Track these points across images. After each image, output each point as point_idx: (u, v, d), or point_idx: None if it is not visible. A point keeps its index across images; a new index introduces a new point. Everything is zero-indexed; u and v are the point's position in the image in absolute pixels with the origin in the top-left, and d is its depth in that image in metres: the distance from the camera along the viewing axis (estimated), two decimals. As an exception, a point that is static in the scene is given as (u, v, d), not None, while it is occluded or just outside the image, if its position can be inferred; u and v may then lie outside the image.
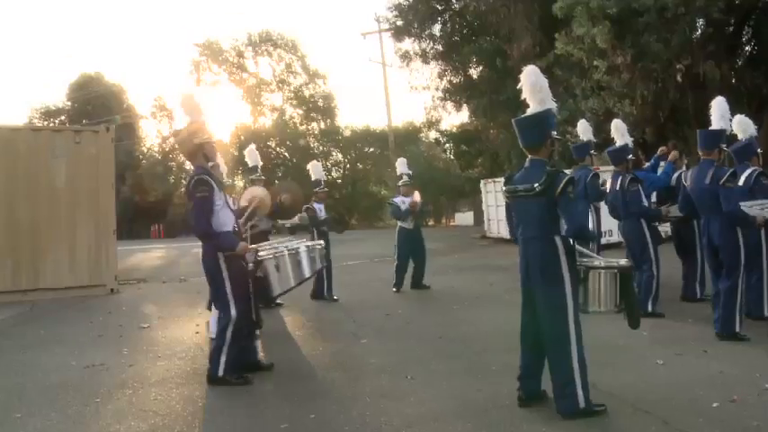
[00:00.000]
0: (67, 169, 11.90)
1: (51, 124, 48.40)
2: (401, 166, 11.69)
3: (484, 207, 24.12)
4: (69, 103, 51.17)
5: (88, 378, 5.94)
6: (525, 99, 4.65)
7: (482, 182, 24.16)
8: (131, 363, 6.52)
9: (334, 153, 50.61)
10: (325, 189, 10.71)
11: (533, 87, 4.56)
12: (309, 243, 6.47)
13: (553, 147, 4.59)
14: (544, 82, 4.59)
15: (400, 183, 11.36)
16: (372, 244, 22.15)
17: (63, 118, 50.50)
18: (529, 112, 4.61)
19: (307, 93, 50.34)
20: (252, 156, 10.71)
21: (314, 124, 50.58)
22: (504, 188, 4.76)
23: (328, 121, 49.75)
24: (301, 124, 50.59)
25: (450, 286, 11.33)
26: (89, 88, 49.52)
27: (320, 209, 10.41)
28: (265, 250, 6.10)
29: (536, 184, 4.38)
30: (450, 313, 8.79)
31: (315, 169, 10.87)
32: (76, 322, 9.12)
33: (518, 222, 4.67)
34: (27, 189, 11.49)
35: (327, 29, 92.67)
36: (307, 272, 6.23)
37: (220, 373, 5.46)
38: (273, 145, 48.48)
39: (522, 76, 4.63)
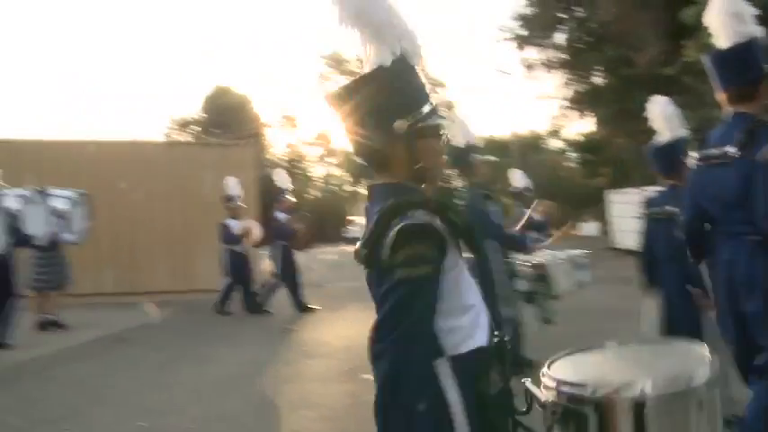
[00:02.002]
0: (215, 180, 12.88)
1: (187, 134, 51.39)
2: (518, 177, 10.66)
3: (610, 218, 23.87)
4: (204, 115, 54.03)
5: (255, 372, 6.63)
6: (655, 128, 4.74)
7: (608, 192, 23.91)
8: (287, 361, 7.19)
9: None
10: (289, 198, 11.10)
11: (664, 116, 4.63)
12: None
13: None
14: (674, 111, 4.70)
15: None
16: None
17: (198, 128, 53.43)
18: (662, 139, 4.64)
19: (429, 101, 51.15)
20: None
21: (437, 132, 51.35)
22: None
23: (449, 129, 50.44)
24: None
25: (583, 299, 11.40)
26: (221, 100, 52.18)
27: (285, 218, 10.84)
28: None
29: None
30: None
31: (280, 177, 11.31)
32: (231, 322, 10.02)
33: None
34: (182, 199, 12.55)
35: (449, 37, 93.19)
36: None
37: None
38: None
39: (652, 107, 4.77)
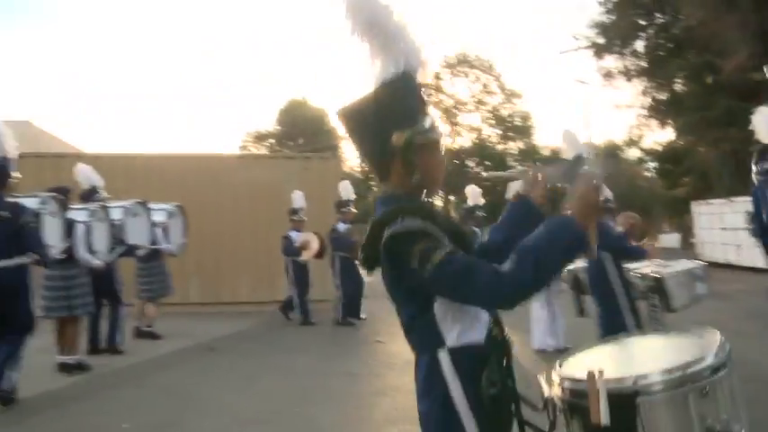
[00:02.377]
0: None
1: (263, 147, 52.30)
2: (474, 194, 11.28)
3: (697, 230, 23.03)
4: (279, 127, 54.92)
5: (349, 384, 6.67)
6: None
7: (695, 204, 23.08)
8: (378, 373, 7.19)
9: (531, 173, 50.61)
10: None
11: None
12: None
13: None
14: None
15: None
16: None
17: (272, 141, 54.36)
18: None
19: (504, 112, 50.79)
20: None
21: (511, 143, 50.88)
22: None
23: (525, 140, 49.89)
24: (498, 143, 51.07)
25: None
26: (296, 112, 52.95)
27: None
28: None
29: None
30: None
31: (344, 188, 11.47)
32: (320, 333, 10.16)
33: None
34: (267, 211, 12.71)
35: (523, 47, 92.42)
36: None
37: None
38: (473, 165, 49.27)
39: (757, 116, 4.65)
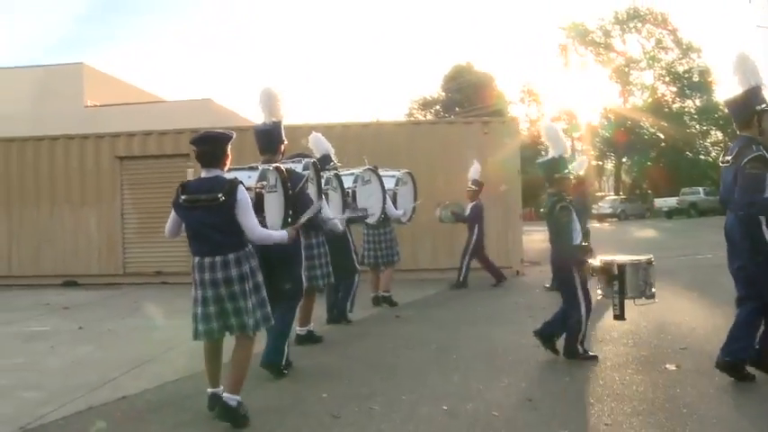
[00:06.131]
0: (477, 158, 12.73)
1: (428, 115, 52.31)
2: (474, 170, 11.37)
3: None
4: (444, 94, 54.69)
5: (540, 354, 6.29)
6: None
7: None
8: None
9: (712, 132, 47.19)
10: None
11: None
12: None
13: None
14: None
15: None
16: None
17: (438, 107, 54.25)
18: None
19: (680, 68, 47.70)
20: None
21: (689, 102, 47.77)
22: None
23: (705, 97, 46.61)
24: (674, 102, 48.12)
25: None
26: (460, 78, 52.43)
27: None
28: None
29: None
30: None
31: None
32: (500, 300, 9.96)
33: None
34: (446, 176, 12.49)
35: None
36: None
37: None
38: (647, 125, 46.83)
39: None
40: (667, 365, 5.82)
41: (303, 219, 5.47)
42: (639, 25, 49.38)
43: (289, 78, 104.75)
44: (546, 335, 6.23)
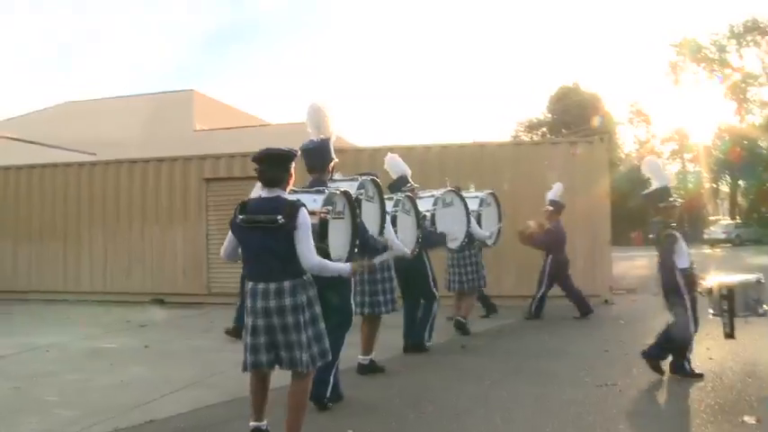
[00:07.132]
0: (563, 179, 12.09)
1: (534, 137, 51.39)
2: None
3: None
4: (549, 116, 53.66)
5: (602, 398, 5.77)
6: None
7: None
8: (643, 385, 6.19)
9: None
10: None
11: None
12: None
13: None
14: None
15: None
16: None
17: (544, 129, 53.23)
18: None
19: (803, 83, 44.95)
20: None
21: (814, 120, 44.86)
22: None
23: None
24: (796, 120, 45.34)
25: None
26: (567, 99, 51.25)
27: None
28: None
29: None
30: None
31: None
32: (576, 334, 9.27)
33: None
34: (532, 199, 11.91)
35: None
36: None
37: None
38: (765, 145, 44.26)
39: None
40: (746, 418, 5.12)
41: (377, 260, 5.20)
42: (759, 38, 46.82)
43: (391, 101, 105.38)
44: (653, 356, 6.44)
